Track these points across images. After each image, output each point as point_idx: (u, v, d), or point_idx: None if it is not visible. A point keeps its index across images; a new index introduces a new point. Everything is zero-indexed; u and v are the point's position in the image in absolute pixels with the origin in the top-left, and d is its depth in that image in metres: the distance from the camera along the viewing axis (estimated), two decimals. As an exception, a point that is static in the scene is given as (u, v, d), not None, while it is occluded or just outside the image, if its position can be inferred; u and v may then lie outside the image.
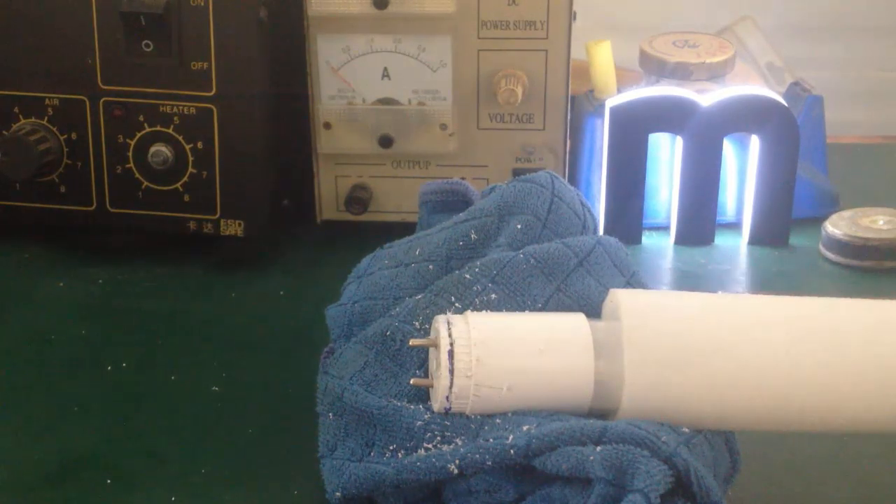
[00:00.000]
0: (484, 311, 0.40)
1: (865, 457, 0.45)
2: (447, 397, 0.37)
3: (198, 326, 0.56)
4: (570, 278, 0.43)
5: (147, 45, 0.59)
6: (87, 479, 0.44)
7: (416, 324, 0.41)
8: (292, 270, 0.63)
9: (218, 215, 0.62)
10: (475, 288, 0.42)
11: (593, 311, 0.42)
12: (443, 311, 0.41)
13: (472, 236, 0.45)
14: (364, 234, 0.62)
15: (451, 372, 0.36)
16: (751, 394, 0.37)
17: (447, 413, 0.38)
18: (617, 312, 0.38)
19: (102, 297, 0.60)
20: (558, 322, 0.39)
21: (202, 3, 0.58)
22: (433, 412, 0.38)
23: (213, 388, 0.50)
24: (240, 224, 0.62)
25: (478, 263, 0.42)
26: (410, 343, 0.39)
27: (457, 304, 0.41)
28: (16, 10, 0.61)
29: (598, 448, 0.35)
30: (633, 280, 0.45)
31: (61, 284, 0.61)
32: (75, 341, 0.55)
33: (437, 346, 0.38)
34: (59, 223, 0.64)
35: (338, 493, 0.39)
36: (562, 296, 0.42)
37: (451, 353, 0.37)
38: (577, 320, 0.39)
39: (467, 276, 0.42)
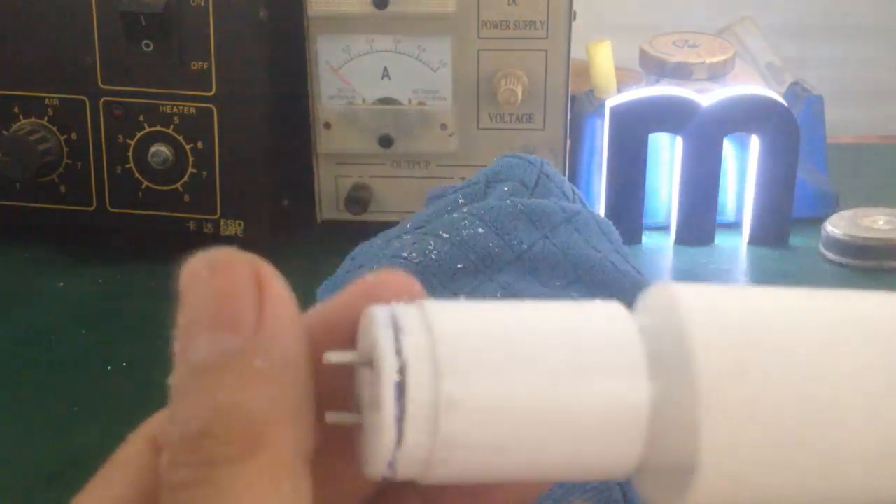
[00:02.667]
0: (454, 302, 0.21)
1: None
2: (389, 462, 0.19)
3: (198, 326, 0.56)
4: (556, 230, 0.42)
5: (147, 45, 0.59)
6: (87, 479, 0.43)
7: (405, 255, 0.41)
8: (292, 270, 0.62)
9: (218, 215, 0.61)
10: (464, 223, 0.41)
11: (580, 268, 0.41)
12: (429, 245, 0.40)
13: (460, 201, 0.45)
14: (364, 233, 0.62)
15: (399, 420, 0.19)
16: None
17: (385, 481, 0.20)
18: (673, 320, 0.21)
19: (102, 297, 0.60)
20: (580, 315, 0.21)
21: (202, 3, 0.58)
22: None
23: (214, 388, 0.50)
24: (240, 224, 0.62)
25: (466, 208, 0.43)
26: (325, 359, 0.20)
27: (444, 235, 0.41)
28: (16, 10, 0.61)
29: None
30: (619, 249, 0.45)
31: (61, 284, 0.61)
32: (75, 341, 0.55)
33: (370, 363, 0.20)
34: (59, 223, 0.64)
35: None
36: (548, 243, 0.42)
37: (399, 387, 0.19)
38: (613, 310, 0.21)
39: (455, 215, 0.42)
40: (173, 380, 0.19)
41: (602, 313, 0.21)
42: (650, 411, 0.20)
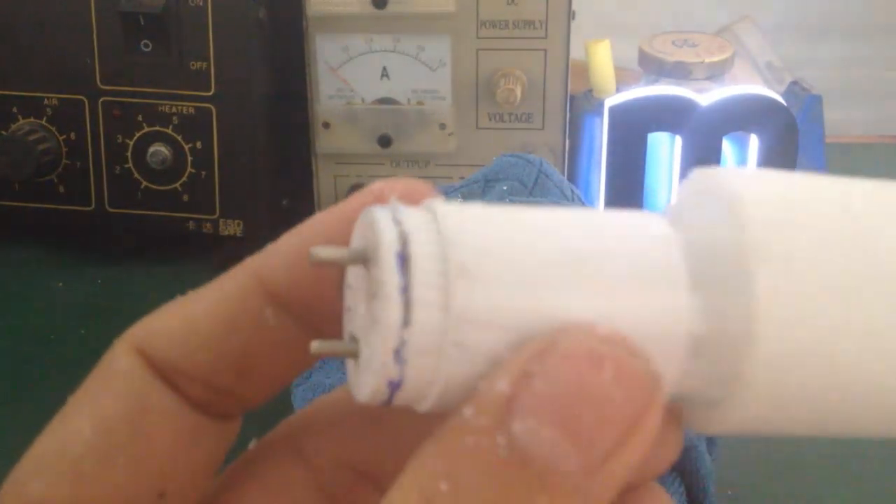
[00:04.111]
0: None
1: (865, 457, 0.45)
2: (396, 350, 0.16)
3: (197, 326, 0.56)
4: None
5: (146, 45, 0.59)
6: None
7: None
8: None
9: (217, 215, 0.61)
10: None
11: None
12: None
13: (458, 199, 0.45)
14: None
15: (405, 291, 0.16)
16: None
17: (391, 397, 0.17)
18: (725, 211, 0.18)
19: (102, 297, 0.60)
20: (609, 222, 0.18)
21: (201, 3, 0.58)
22: None
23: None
24: (239, 224, 0.62)
25: None
26: (311, 256, 0.17)
27: None
28: (15, 10, 0.61)
29: None
30: None
31: (61, 284, 0.61)
32: (75, 341, 0.55)
33: (364, 260, 0.17)
34: (58, 223, 0.64)
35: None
36: None
37: (402, 259, 0.17)
38: (650, 221, 0.19)
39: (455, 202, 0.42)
40: (468, 408, 0.16)
41: (631, 218, 0.18)
42: (691, 325, 0.17)
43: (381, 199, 0.19)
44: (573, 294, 0.17)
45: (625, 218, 0.18)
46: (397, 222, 0.17)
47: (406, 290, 0.16)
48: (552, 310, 0.17)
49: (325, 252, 0.17)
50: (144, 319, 0.20)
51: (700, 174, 0.19)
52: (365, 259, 0.17)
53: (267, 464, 0.21)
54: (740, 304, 0.17)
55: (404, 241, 0.17)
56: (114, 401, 0.19)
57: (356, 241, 0.18)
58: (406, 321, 0.16)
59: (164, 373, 0.20)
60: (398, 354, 0.16)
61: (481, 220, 0.17)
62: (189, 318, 0.20)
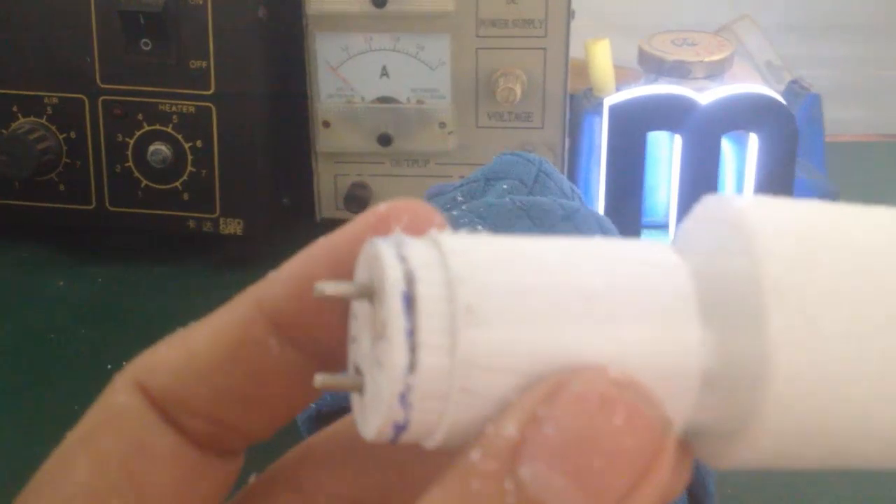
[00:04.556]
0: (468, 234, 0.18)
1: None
2: (401, 395, 0.16)
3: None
4: (555, 228, 0.42)
5: (146, 44, 0.59)
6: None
7: None
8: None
9: (217, 214, 0.61)
10: (462, 220, 0.41)
11: None
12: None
13: (459, 199, 0.45)
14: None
15: (411, 335, 0.16)
16: None
17: (396, 437, 0.17)
18: (740, 242, 0.17)
19: (102, 297, 0.60)
20: (617, 252, 0.18)
21: (201, 2, 0.58)
22: None
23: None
24: (239, 223, 0.62)
25: (465, 206, 0.43)
26: (316, 290, 0.17)
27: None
28: (15, 9, 0.61)
29: None
30: None
31: (61, 284, 0.61)
32: (75, 341, 0.55)
33: (370, 294, 0.17)
34: (59, 222, 0.64)
35: (312, 405, 0.37)
36: None
37: (407, 300, 0.16)
38: (657, 252, 0.18)
39: (454, 213, 0.42)
40: (475, 452, 0.16)
41: (642, 249, 0.18)
42: (703, 362, 0.17)
43: (384, 223, 0.18)
44: (583, 334, 0.17)
45: (633, 248, 0.18)
46: (402, 259, 0.16)
47: (412, 333, 0.16)
48: (562, 351, 0.16)
49: (331, 287, 0.17)
50: (144, 353, 0.20)
51: (713, 200, 0.18)
52: (370, 294, 0.17)
53: (266, 500, 0.21)
54: (754, 343, 0.16)
55: (410, 281, 0.16)
56: (111, 440, 0.19)
57: (360, 274, 0.18)
58: (412, 366, 0.16)
59: (165, 408, 0.19)
60: (403, 399, 0.16)
61: (488, 259, 0.17)
62: (190, 349, 0.19)
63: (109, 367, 0.52)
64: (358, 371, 0.18)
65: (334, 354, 0.19)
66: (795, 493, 0.43)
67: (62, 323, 0.57)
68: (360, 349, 0.18)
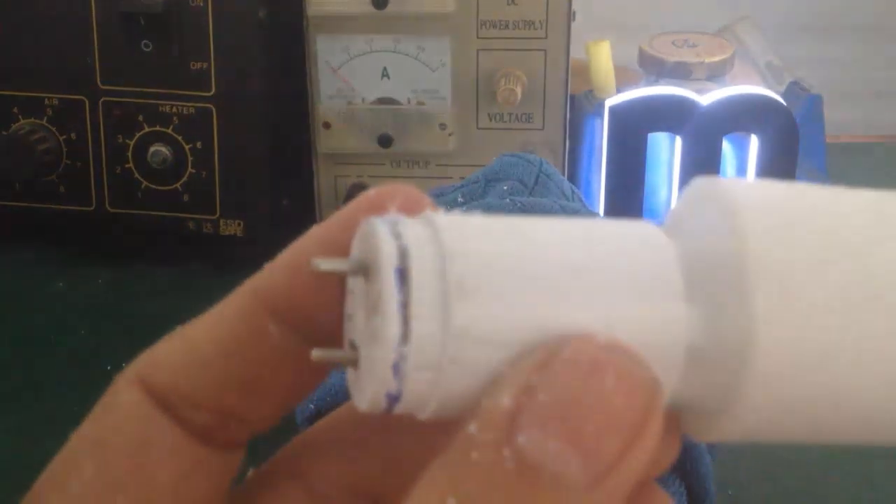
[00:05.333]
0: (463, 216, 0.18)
1: (865, 457, 0.45)
2: (395, 365, 0.17)
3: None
4: None
5: (146, 45, 0.59)
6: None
7: None
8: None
9: (217, 215, 0.62)
10: None
11: None
12: None
13: (460, 200, 0.45)
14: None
15: (404, 307, 0.17)
16: None
17: (390, 408, 0.17)
18: (724, 220, 0.18)
19: (102, 297, 0.60)
20: (606, 232, 0.18)
21: (201, 3, 0.58)
22: None
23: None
24: (239, 224, 0.62)
25: (465, 207, 0.43)
26: (311, 265, 0.18)
27: None
28: (15, 10, 0.61)
29: None
30: None
31: (61, 284, 0.61)
32: (75, 341, 0.55)
33: (365, 271, 0.18)
34: (59, 223, 0.64)
35: (311, 405, 0.37)
36: None
37: (401, 274, 0.17)
38: (646, 231, 0.19)
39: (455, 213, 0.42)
40: (473, 424, 0.16)
41: (627, 227, 0.18)
42: (689, 338, 0.17)
43: (377, 207, 0.19)
44: (571, 307, 0.17)
45: (622, 227, 0.18)
46: (397, 235, 0.17)
47: (405, 306, 0.16)
48: (551, 323, 0.17)
49: (326, 263, 0.18)
50: (146, 351, 0.20)
51: (701, 182, 0.19)
52: (365, 270, 0.17)
53: (269, 491, 0.21)
54: (738, 320, 0.17)
55: (404, 256, 0.17)
56: (115, 438, 0.19)
57: (356, 251, 0.18)
58: (405, 337, 0.16)
59: (168, 403, 0.19)
60: (397, 369, 0.17)
61: (480, 234, 0.17)
62: (191, 342, 0.20)
63: (109, 367, 0.52)
64: (353, 346, 0.18)
65: (333, 337, 0.19)
66: (796, 493, 0.43)
67: (62, 324, 0.57)
68: (355, 325, 0.18)
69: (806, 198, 0.18)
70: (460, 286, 0.17)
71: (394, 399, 0.17)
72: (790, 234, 0.17)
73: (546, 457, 0.15)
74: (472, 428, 0.16)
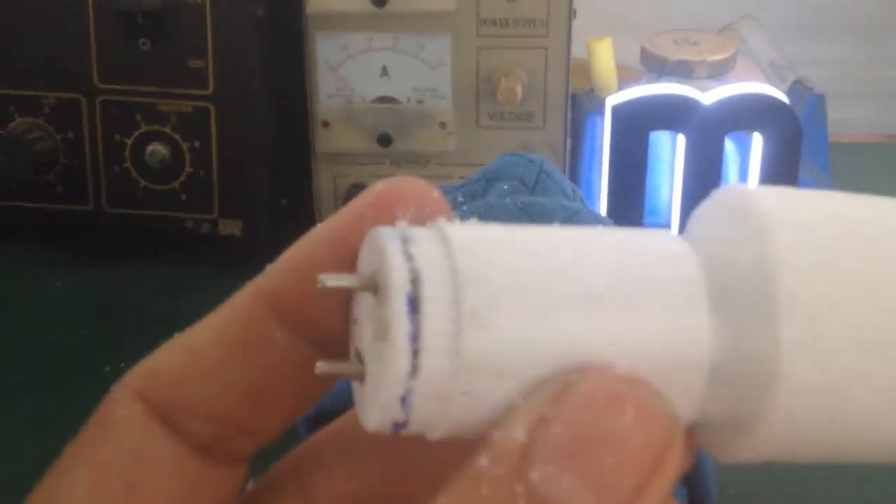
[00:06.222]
0: (475, 223, 0.18)
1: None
2: (402, 397, 0.16)
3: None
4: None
5: (144, 44, 0.59)
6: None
7: None
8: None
9: (216, 215, 0.61)
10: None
11: None
12: None
13: (460, 200, 0.45)
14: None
15: (414, 339, 0.16)
16: None
17: (397, 431, 0.17)
18: (754, 236, 0.17)
19: (101, 297, 0.60)
20: (631, 244, 0.18)
21: (200, 1, 0.58)
22: None
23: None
24: (238, 223, 0.61)
25: (466, 207, 0.42)
26: (318, 283, 0.17)
27: None
28: (12, 9, 0.60)
29: None
30: None
31: (59, 284, 0.61)
32: (74, 341, 0.55)
33: (374, 287, 0.17)
34: (56, 223, 0.63)
35: (311, 406, 0.38)
36: None
37: (412, 301, 0.16)
38: (668, 241, 0.18)
39: (455, 213, 0.42)
40: (484, 457, 0.16)
41: (649, 236, 0.18)
42: (712, 351, 0.17)
43: (383, 204, 0.18)
44: (591, 331, 0.16)
45: (644, 239, 0.18)
46: (408, 257, 0.16)
47: (415, 338, 0.16)
48: (568, 352, 0.16)
49: (333, 279, 0.17)
50: (143, 361, 0.19)
51: (727, 192, 0.18)
52: (374, 288, 0.16)
53: (270, 501, 0.20)
54: (765, 346, 0.16)
55: (415, 283, 0.16)
56: (110, 453, 0.18)
57: (363, 265, 0.17)
58: (413, 370, 0.16)
59: (168, 415, 0.18)
60: (404, 400, 0.16)
61: (496, 255, 0.16)
62: (193, 350, 0.19)
63: (107, 368, 0.52)
64: (359, 357, 0.17)
65: (340, 341, 0.18)
66: (796, 493, 0.42)
67: (60, 324, 0.57)
68: (362, 335, 0.17)
69: (843, 220, 0.18)
70: (475, 315, 0.16)
71: (400, 426, 0.16)
72: (824, 258, 0.17)
73: (560, 493, 0.15)
74: (483, 461, 0.15)
